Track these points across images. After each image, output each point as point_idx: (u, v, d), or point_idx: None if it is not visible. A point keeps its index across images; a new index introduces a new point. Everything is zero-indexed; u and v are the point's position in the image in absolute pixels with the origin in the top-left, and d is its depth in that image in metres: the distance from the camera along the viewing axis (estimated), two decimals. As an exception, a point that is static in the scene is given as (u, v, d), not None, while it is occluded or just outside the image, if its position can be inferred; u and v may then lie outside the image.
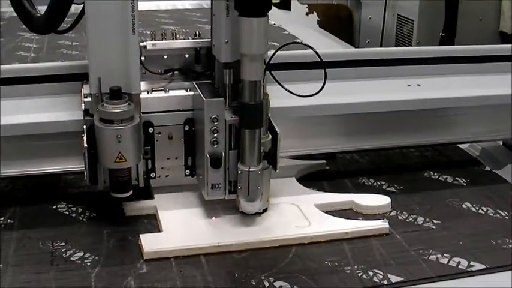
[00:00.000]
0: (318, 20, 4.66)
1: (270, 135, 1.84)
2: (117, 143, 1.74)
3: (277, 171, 1.86)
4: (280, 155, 1.85)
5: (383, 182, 2.20)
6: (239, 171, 1.80)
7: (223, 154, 1.80)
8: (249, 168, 1.79)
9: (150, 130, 1.88)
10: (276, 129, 1.83)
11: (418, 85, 2.23)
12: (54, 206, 1.99)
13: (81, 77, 1.92)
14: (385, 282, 1.67)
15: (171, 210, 1.93)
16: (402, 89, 2.21)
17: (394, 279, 1.68)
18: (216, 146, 1.79)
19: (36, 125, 1.89)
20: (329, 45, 3.93)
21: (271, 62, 1.76)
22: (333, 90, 1.87)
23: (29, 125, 1.89)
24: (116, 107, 1.74)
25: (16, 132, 1.90)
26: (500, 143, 2.51)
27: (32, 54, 3.63)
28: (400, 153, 2.42)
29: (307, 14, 4.81)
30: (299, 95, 1.79)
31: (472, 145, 2.51)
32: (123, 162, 1.77)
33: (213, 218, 1.90)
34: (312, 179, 2.17)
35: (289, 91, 1.79)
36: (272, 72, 1.77)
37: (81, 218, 1.94)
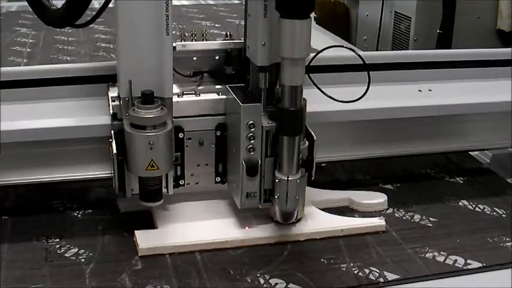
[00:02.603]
0: (314, 17, 4.64)
1: (306, 142, 1.76)
2: (149, 150, 1.65)
3: (312, 178, 1.79)
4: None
5: (380, 180, 2.19)
6: (277, 180, 1.71)
7: (259, 161, 1.74)
8: (288, 177, 1.70)
9: (180, 135, 1.80)
10: (313, 135, 1.76)
11: (429, 90, 2.18)
12: (49, 202, 1.98)
13: (105, 79, 1.86)
14: (381, 279, 1.66)
15: (165, 207, 1.91)
16: (413, 94, 2.15)
17: (390, 276, 1.67)
18: (252, 153, 1.71)
19: (61, 130, 1.82)
20: (325, 43, 3.90)
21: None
22: (339, 96, 1.78)
23: (53, 130, 1.81)
24: (149, 112, 1.65)
25: (40, 137, 1.82)
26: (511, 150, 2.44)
27: (28, 49, 3.62)
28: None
29: (304, 10, 4.79)
30: (340, 101, 1.73)
31: (482, 152, 2.42)
32: (155, 170, 1.69)
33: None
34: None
35: (330, 96, 1.74)
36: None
37: (75, 214, 1.93)
